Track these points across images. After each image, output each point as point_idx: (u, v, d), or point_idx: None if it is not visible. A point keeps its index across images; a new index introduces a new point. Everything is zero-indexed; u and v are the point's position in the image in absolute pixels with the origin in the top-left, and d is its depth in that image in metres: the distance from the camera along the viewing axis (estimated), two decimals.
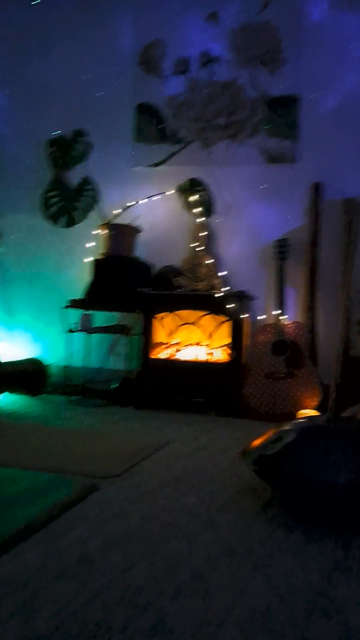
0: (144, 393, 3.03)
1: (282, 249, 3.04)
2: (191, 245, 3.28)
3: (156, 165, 3.39)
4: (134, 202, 3.33)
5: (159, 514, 1.43)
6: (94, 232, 3.41)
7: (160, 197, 3.34)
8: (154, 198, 3.34)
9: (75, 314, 3.21)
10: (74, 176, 3.38)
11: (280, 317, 2.96)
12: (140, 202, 3.34)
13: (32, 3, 3.47)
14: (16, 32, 3.58)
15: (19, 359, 3.36)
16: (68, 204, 3.28)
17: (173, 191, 3.33)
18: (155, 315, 3.09)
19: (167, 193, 3.33)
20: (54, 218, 3.30)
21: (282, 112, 3.18)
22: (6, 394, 3.20)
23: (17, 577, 1.06)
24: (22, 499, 1.50)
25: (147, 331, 3.08)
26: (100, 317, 3.29)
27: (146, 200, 3.34)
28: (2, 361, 3.06)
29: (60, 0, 3.52)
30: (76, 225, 3.44)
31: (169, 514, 1.44)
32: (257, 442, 1.58)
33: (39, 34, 3.56)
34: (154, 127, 3.38)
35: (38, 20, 3.56)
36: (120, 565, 1.13)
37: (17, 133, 3.62)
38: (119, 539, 1.26)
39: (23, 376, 3.22)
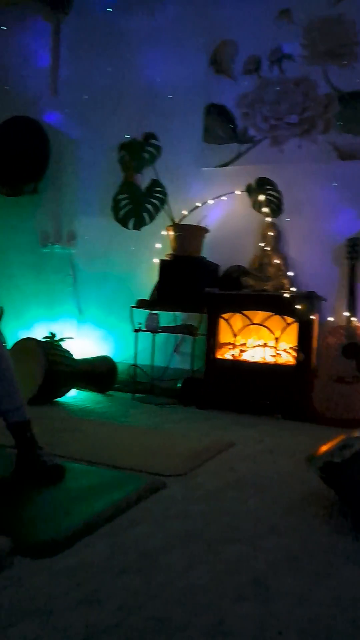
0: (209, 393, 3.04)
1: (354, 248, 2.94)
2: (259, 245, 3.25)
3: (225, 165, 3.39)
4: (202, 203, 3.34)
5: (221, 516, 1.44)
6: (162, 233, 3.46)
7: (228, 197, 3.33)
8: (222, 198, 3.34)
9: (142, 314, 3.27)
10: (144, 179, 3.44)
11: (352, 319, 2.87)
12: (208, 202, 3.35)
13: (108, 10, 3.57)
14: (93, 39, 3.69)
15: (90, 356, 3.47)
16: (137, 206, 3.34)
17: (241, 191, 3.31)
18: (222, 315, 3.09)
19: (236, 193, 3.32)
20: (123, 220, 3.38)
21: (357, 107, 3.08)
22: (76, 390, 3.31)
23: (84, 568, 1.11)
24: (91, 493, 1.56)
25: (213, 331, 3.09)
26: (166, 317, 3.34)
27: (214, 200, 3.34)
28: (75, 358, 3.17)
29: (133, 6, 3.59)
30: (145, 227, 3.50)
31: (231, 516, 1.44)
32: (324, 448, 1.55)
33: (114, 40, 3.64)
34: (223, 127, 3.38)
35: (113, 26, 3.64)
36: (182, 564, 1.15)
37: (92, 137, 3.73)
38: (182, 538, 1.28)
39: (94, 373, 3.32)
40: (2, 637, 0.86)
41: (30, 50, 3.86)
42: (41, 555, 1.15)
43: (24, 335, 3.77)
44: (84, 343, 3.69)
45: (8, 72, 3.90)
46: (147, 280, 3.48)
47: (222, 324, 3.10)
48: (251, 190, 3.26)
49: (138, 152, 3.37)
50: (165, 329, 3.28)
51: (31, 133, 3.68)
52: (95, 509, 1.39)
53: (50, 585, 1.03)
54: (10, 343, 3.20)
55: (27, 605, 0.96)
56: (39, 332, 3.74)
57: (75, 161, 3.77)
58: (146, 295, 3.34)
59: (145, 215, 3.35)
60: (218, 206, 3.37)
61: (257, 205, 3.26)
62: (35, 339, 3.10)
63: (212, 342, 3.09)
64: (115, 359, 3.48)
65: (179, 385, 3.16)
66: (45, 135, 3.69)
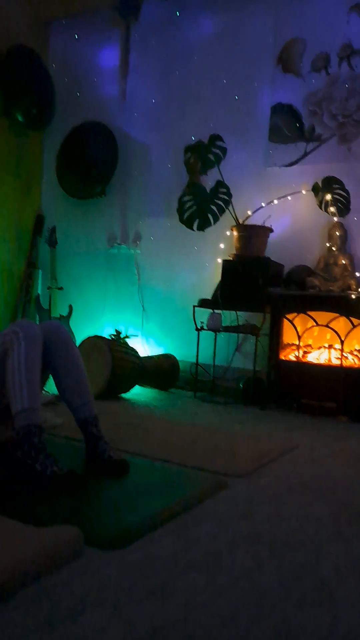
0: (272, 393, 3.01)
1: None
2: (325, 245, 3.19)
3: (291, 164, 3.34)
4: (267, 203, 3.32)
5: (285, 519, 1.43)
6: (226, 234, 3.47)
7: (294, 196, 3.29)
8: (288, 197, 3.30)
9: (205, 313, 3.29)
10: (209, 180, 3.46)
11: None
12: (274, 202, 3.32)
13: (176, 13, 3.61)
14: (160, 43, 3.74)
15: (153, 354, 3.53)
16: (202, 207, 3.36)
17: (307, 190, 3.25)
18: (286, 316, 3.06)
19: (302, 192, 3.27)
20: (188, 221, 3.41)
21: None
22: (140, 386, 3.38)
23: (151, 563, 1.14)
24: (156, 489, 1.60)
25: (276, 332, 3.06)
26: (229, 317, 3.34)
27: (280, 200, 3.31)
28: (140, 356, 3.24)
29: (200, 9, 3.60)
30: (208, 228, 3.51)
31: (295, 520, 1.43)
32: None
33: (180, 43, 3.68)
34: (289, 126, 3.33)
35: (180, 30, 3.68)
36: (247, 565, 1.16)
37: (159, 140, 3.79)
38: (246, 539, 1.29)
39: (157, 371, 3.38)
40: (73, 625, 0.91)
41: (101, 57, 3.97)
42: (109, 547, 1.19)
43: (91, 332, 3.90)
44: (148, 340, 3.76)
45: (79, 79, 4.03)
46: (210, 280, 3.50)
47: (286, 324, 3.06)
48: (317, 190, 3.20)
49: (204, 154, 3.39)
50: (228, 329, 3.28)
51: (101, 138, 3.79)
52: (160, 505, 1.42)
53: (119, 577, 1.07)
54: (78, 340, 3.32)
55: (96, 595, 1.00)
56: (106, 330, 3.85)
57: (142, 164, 3.84)
58: (209, 295, 3.36)
59: (210, 216, 3.36)
60: (283, 206, 3.33)
61: (323, 205, 3.19)
62: (102, 337, 3.20)
63: (275, 342, 3.06)
64: (177, 357, 3.52)
65: (241, 384, 3.16)
66: (114, 140, 3.79)
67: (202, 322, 3.28)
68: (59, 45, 4.11)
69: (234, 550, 1.22)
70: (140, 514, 1.36)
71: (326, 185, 3.18)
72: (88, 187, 3.83)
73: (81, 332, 3.97)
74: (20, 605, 0.95)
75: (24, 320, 1.83)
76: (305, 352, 3.06)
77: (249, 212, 3.35)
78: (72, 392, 1.85)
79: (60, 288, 3.93)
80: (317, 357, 3.03)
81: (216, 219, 3.37)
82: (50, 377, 1.93)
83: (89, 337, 3.18)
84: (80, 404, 1.84)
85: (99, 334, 3.32)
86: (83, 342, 3.15)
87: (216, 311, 3.27)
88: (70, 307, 3.94)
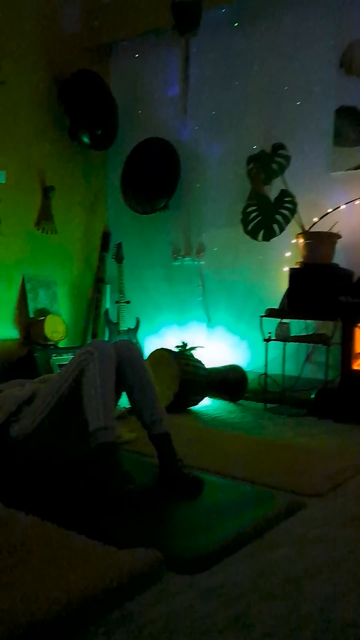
0: (346, 406, 2.92)
1: None
2: None
3: (357, 168, 3.24)
4: (334, 208, 3.23)
5: None
6: (291, 242, 3.41)
7: None
8: (356, 202, 3.21)
9: (272, 323, 3.25)
10: (273, 189, 3.42)
11: None
12: (341, 207, 3.23)
13: (234, 25, 3.62)
14: (219, 56, 3.75)
15: (220, 365, 3.52)
16: (267, 217, 3.32)
17: None
18: (358, 325, 2.96)
19: None
20: (253, 232, 3.38)
21: None
22: (208, 398, 3.39)
23: (230, 589, 1.13)
24: (229, 509, 1.59)
25: (348, 341, 2.97)
26: (297, 326, 3.28)
27: (347, 205, 3.22)
28: (206, 367, 3.25)
29: (257, 17, 3.58)
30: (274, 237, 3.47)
31: None
32: None
33: (240, 53, 3.67)
34: (355, 129, 3.24)
35: (238, 40, 3.67)
36: (329, 593, 1.13)
37: (220, 152, 3.79)
38: (326, 565, 1.25)
39: (225, 382, 3.37)
40: None
41: (160, 74, 4.04)
42: (187, 571, 1.20)
43: (157, 344, 3.96)
44: (213, 352, 3.76)
45: (140, 97, 4.12)
46: (277, 288, 3.45)
47: (358, 333, 2.97)
48: None
49: (267, 164, 3.35)
50: (297, 338, 3.22)
51: (162, 153, 3.84)
52: (235, 528, 1.41)
53: (200, 603, 1.07)
54: (146, 353, 3.38)
55: (179, 621, 1.01)
56: (171, 342, 3.89)
57: (204, 176, 3.86)
58: (276, 304, 3.31)
59: (275, 226, 3.32)
60: (351, 211, 3.24)
61: None
62: (169, 350, 3.23)
63: (347, 352, 2.97)
64: (245, 368, 3.50)
65: (312, 396, 3.09)
66: (176, 154, 3.83)
67: (269, 332, 3.24)
68: (120, 65, 4.22)
69: (313, 577, 1.19)
70: (216, 537, 1.35)
71: None
72: (151, 202, 3.89)
73: (148, 344, 4.04)
74: (107, 630, 0.97)
75: (98, 340, 1.89)
76: None
77: (315, 219, 3.28)
78: (144, 409, 1.89)
79: (128, 302, 4.01)
80: None
81: (282, 229, 3.32)
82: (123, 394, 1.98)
83: (156, 350, 3.22)
84: (153, 421, 1.86)
85: (165, 346, 3.36)
86: (150, 354, 3.20)
87: (284, 320, 3.22)
88: (137, 320, 4.01)
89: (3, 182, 3.38)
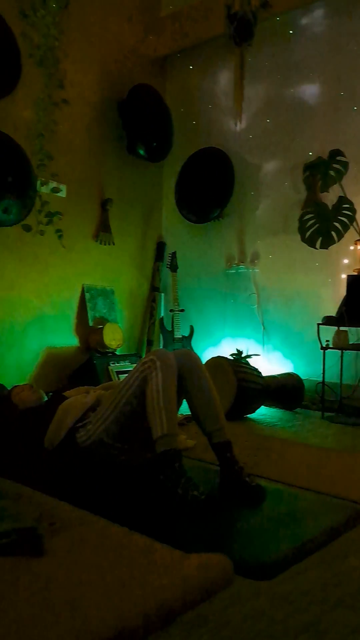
0: None
1: None
2: None
3: None
4: None
5: None
6: (349, 248, 3.37)
7: None
8: None
9: (330, 331, 3.21)
10: (331, 196, 3.39)
11: None
12: None
13: (289, 32, 3.63)
14: (275, 64, 3.76)
15: (276, 373, 3.51)
16: (325, 225, 3.30)
17: None
18: None
19: None
20: (310, 240, 3.37)
21: None
22: (264, 407, 3.38)
23: (300, 596, 1.14)
24: (295, 518, 1.59)
25: None
26: (355, 334, 3.22)
27: None
28: (263, 375, 3.25)
29: (313, 24, 3.58)
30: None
31: None
32: None
33: (295, 61, 3.67)
34: None
35: (293, 48, 3.67)
36: None
37: (276, 160, 3.79)
38: None
39: (281, 390, 3.36)
40: None
41: (215, 85, 4.10)
42: (256, 577, 1.22)
43: (212, 352, 3.99)
44: (269, 360, 3.75)
45: (195, 108, 4.19)
46: (334, 296, 3.41)
47: None
48: None
49: (324, 171, 3.33)
50: (355, 346, 3.17)
51: (217, 162, 3.89)
52: (301, 536, 1.42)
53: (271, 609, 1.09)
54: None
55: (251, 626, 1.03)
56: (226, 349, 3.91)
57: (259, 184, 3.87)
58: (333, 312, 3.28)
59: (334, 234, 3.29)
60: None
61: None
62: (225, 358, 3.25)
63: None
64: (301, 376, 3.47)
65: None
66: (230, 163, 3.87)
67: (327, 340, 3.20)
68: (174, 77, 4.31)
69: None
70: (283, 544, 1.37)
71: None
72: (206, 211, 3.94)
73: (202, 351, 4.07)
74: (180, 632, 1.01)
75: (160, 349, 1.93)
76: None
77: None
78: (205, 417, 1.92)
79: (182, 310, 4.06)
80: None
81: (340, 236, 3.28)
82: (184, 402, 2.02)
83: (212, 358, 3.25)
84: (214, 429, 1.89)
85: (219, 354, 3.38)
86: (206, 362, 3.22)
87: (342, 328, 3.18)
88: (192, 327, 4.06)
89: (64, 196, 3.52)
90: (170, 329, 4.03)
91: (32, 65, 2.91)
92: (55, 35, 2.72)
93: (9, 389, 2.97)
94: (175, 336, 4.01)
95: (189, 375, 1.94)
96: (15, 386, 2.47)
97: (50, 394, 2.51)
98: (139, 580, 1.13)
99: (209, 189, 3.89)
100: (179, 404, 2.01)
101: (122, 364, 3.73)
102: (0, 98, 2.91)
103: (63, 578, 1.14)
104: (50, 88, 2.87)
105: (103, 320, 3.85)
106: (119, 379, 3.60)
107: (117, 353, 3.83)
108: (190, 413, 2.03)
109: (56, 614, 0.99)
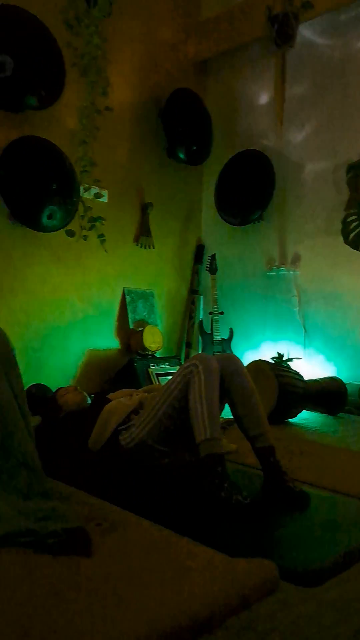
0: None
1: None
2: None
3: None
4: None
5: None
6: None
7: None
8: None
9: None
10: None
11: None
12: None
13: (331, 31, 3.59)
14: (317, 65, 3.71)
15: (318, 377, 3.47)
16: None
17: None
18: None
19: None
20: (354, 243, 3.31)
21: None
22: (306, 411, 3.34)
23: (349, 603, 1.13)
24: (339, 524, 1.58)
25: None
26: None
27: None
28: (304, 379, 3.21)
29: (356, 20, 3.52)
30: None
31: None
32: None
33: (338, 61, 3.61)
34: None
35: (337, 47, 3.62)
36: None
37: (317, 161, 3.75)
38: None
39: (323, 394, 3.31)
40: None
41: (255, 87, 4.08)
42: (302, 583, 1.21)
43: (251, 355, 3.97)
44: (310, 363, 3.71)
45: (235, 110, 4.19)
46: None
47: None
48: None
49: None
50: None
51: (257, 165, 3.87)
52: (348, 543, 1.40)
53: (319, 616, 1.08)
54: None
55: (300, 632, 1.03)
56: (266, 352, 3.89)
57: (300, 186, 3.84)
58: None
59: None
60: None
61: None
62: (267, 361, 3.23)
63: None
64: (344, 380, 3.41)
65: None
66: (271, 165, 3.84)
67: None
68: (214, 80, 4.32)
69: None
70: (329, 551, 1.36)
71: None
72: (246, 213, 3.93)
73: (242, 354, 4.06)
74: (228, 637, 1.01)
75: (202, 354, 1.95)
76: None
77: None
78: (248, 421, 1.92)
79: (221, 313, 4.07)
80: None
81: None
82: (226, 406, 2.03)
83: (253, 361, 3.24)
84: (257, 434, 1.90)
85: (259, 356, 3.36)
86: (247, 366, 3.21)
87: None
88: (231, 330, 4.05)
89: (106, 201, 3.58)
90: (209, 332, 4.04)
91: (75, 74, 2.98)
92: (99, 45, 2.77)
93: (53, 390, 3.05)
94: (215, 339, 4.01)
95: (231, 379, 1.95)
96: (60, 388, 2.53)
97: (92, 395, 2.57)
98: (187, 582, 1.14)
99: (250, 191, 3.88)
100: (221, 407, 2.02)
101: (161, 366, 3.76)
102: (45, 107, 2.99)
103: (112, 578, 1.17)
104: (93, 96, 2.93)
105: (143, 323, 3.89)
106: (158, 381, 3.64)
107: (156, 355, 3.87)
108: (231, 417, 2.04)
109: (106, 614, 1.02)
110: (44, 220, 3.01)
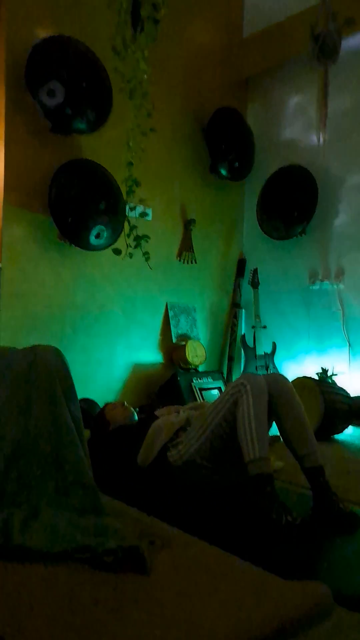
0: None
1: None
2: None
3: None
4: None
5: None
6: None
7: None
8: None
9: None
10: None
11: None
12: None
13: None
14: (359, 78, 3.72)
15: None
16: None
17: None
18: None
19: None
20: None
21: None
22: (352, 427, 3.30)
23: None
24: None
25: None
26: None
27: None
28: (350, 395, 3.18)
29: None
30: None
31: None
32: None
33: None
34: None
35: None
36: None
37: (350, 172, 3.73)
38: None
39: None
40: None
41: (297, 103, 4.10)
42: (357, 608, 1.21)
43: (295, 369, 3.95)
44: (356, 378, 3.66)
45: (276, 126, 4.21)
46: None
47: None
48: None
49: None
50: None
51: (299, 180, 3.88)
52: None
53: None
54: None
55: None
56: (309, 367, 3.86)
57: (343, 200, 3.82)
58: None
59: None
60: None
61: None
62: (311, 378, 3.22)
63: None
64: None
65: None
66: (313, 180, 3.84)
67: None
68: (256, 96, 4.35)
69: None
70: None
71: None
72: (289, 228, 3.93)
73: (284, 369, 4.05)
74: None
75: (251, 374, 1.97)
76: None
77: None
78: (296, 440, 1.93)
79: (264, 327, 4.07)
80: None
81: None
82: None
83: (297, 378, 3.23)
84: (306, 453, 1.90)
85: (302, 371, 3.35)
86: (292, 382, 3.21)
87: None
88: (274, 344, 4.05)
89: (150, 219, 3.66)
90: (252, 346, 4.04)
91: (122, 97, 3.07)
92: (145, 69, 2.85)
93: (99, 405, 3.13)
94: (258, 353, 4.01)
95: (279, 399, 1.96)
96: (108, 403, 2.59)
97: (137, 409, 2.62)
98: (241, 604, 1.16)
99: (293, 205, 3.88)
100: (269, 426, 2.04)
101: (204, 380, 3.79)
102: (94, 130, 3.09)
103: (168, 598, 1.20)
104: (139, 118, 3.00)
105: (185, 337, 3.94)
106: (202, 395, 3.67)
107: (199, 370, 3.90)
108: (277, 434, 2.05)
109: (167, 636, 1.05)
110: (92, 239, 3.10)
